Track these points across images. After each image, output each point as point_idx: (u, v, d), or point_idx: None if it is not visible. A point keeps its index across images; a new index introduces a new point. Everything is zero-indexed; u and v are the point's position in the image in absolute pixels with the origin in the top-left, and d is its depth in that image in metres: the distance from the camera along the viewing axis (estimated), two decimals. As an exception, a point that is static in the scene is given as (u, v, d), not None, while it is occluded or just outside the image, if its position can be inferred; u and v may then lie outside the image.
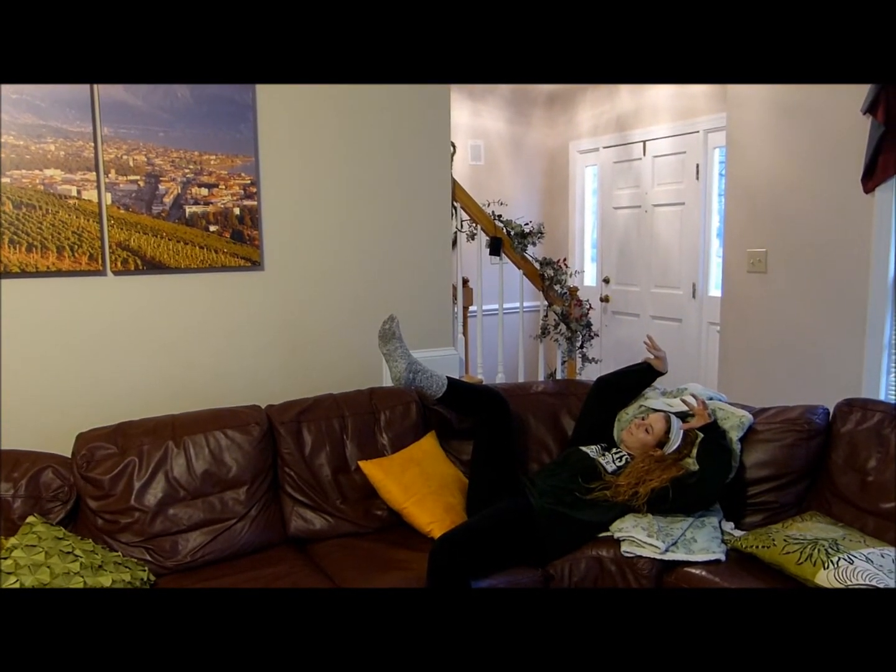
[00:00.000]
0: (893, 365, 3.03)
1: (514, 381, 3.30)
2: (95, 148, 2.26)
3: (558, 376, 3.36)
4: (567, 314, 3.15)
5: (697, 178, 4.11)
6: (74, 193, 2.24)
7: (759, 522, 2.34)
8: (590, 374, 3.31)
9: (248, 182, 2.51)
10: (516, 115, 5.01)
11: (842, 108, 3.08)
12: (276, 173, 2.57)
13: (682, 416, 2.51)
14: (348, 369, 2.72)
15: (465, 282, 3.86)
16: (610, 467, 2.44)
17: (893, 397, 3.03)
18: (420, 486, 2.36)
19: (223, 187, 2.47)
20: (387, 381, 2.77)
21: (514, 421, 2.48)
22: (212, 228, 2.47)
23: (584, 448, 2.52)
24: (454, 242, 3.55)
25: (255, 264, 2.56)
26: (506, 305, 3.45)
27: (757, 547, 2.12)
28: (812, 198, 3.25)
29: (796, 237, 3.34)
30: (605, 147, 4.73)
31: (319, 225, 2.67)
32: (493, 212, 3.14)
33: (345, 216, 2.71)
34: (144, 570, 2.05)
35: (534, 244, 3.08)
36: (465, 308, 4.01)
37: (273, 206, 2.58)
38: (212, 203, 2.46)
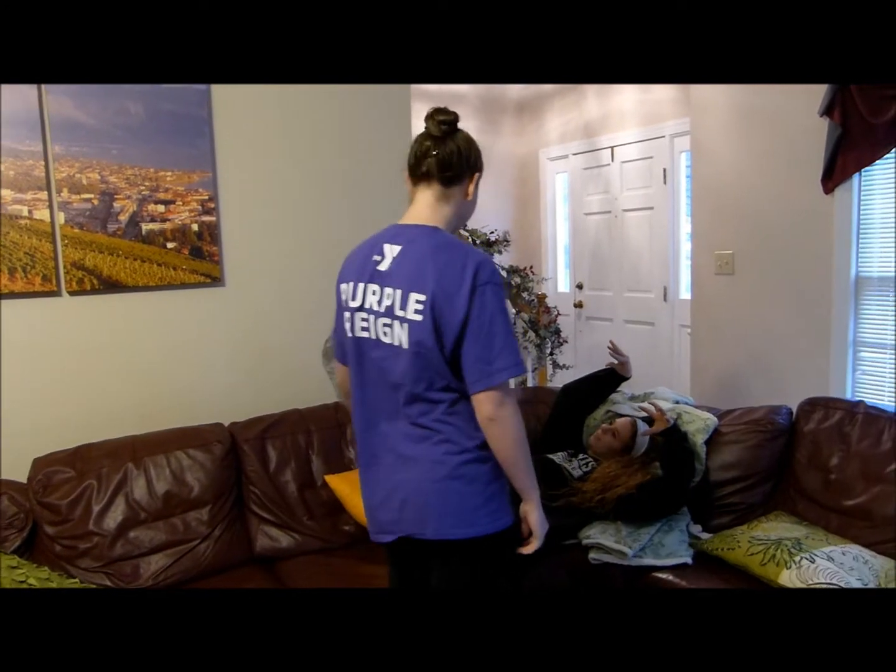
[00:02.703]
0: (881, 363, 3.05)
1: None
2: (46, 166, 2.23)
3: (529, 384, 3.35)
4: (535, 321, 3.14)
5: (665, 182, 4.13)
6: (26, 213, 2.21)
7: (727, 524, 2.34)
8: (562, 380, 3.30)
9: (206, 197, 2.49)
10: (485, 124, 5.02)
11: (800, 110, 3.10)
12: (235, 188, 2.56)
13: (650, 421, 2.51)
14: (313, 383, 2.69)
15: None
16: (576, 473, 2.43)
17: (859, 395, 3.04)
18: (386, 500, 2.34)
19: (180, 203, 2.45)
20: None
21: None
22: (170, 245, 2.44)
23: (550, 455, 2.52)
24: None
25: (216, 280, 2.53)
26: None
27: (722, 549, 2.11)
28: (775, 199, 3.28)
29: (761, 238, 3.36)
30: (574, 154, 4.75)
31: (281, 239, 2.65)
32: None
33: (306, 229, 2.70)
34: (104, 595, 2.01)
35: (500, 252, 3.08)
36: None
37: (232, 221, 2.56)
38: (169, 220, 2.43)
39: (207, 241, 2.50)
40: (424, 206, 1.51)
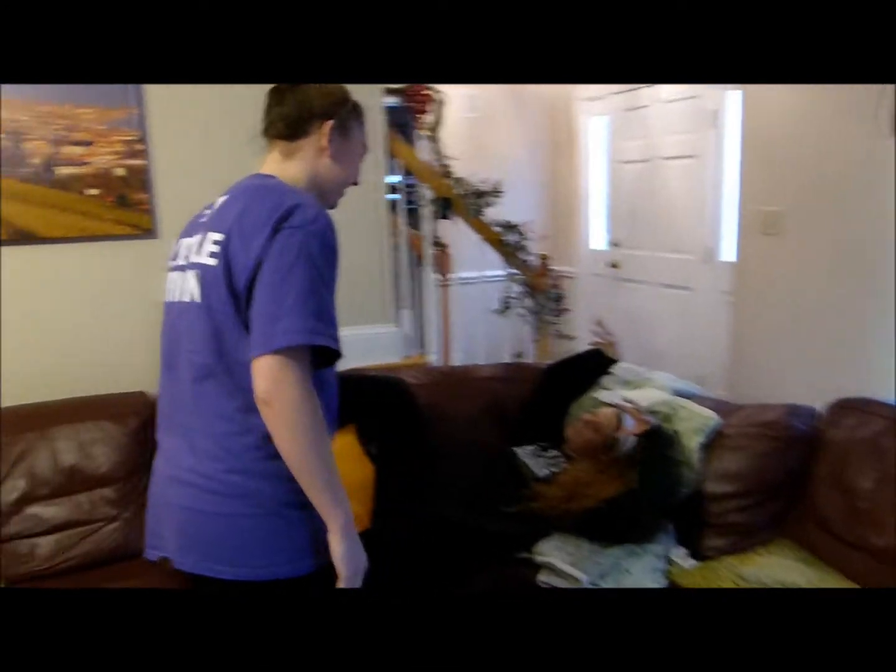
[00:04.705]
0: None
1: (475, 362, 2.92)
2: (-55, 101, 1.98)
3: (529, 358, 2.95)
4: (532, 285, 2.72)
5: (713, 127, 3.55)
6: (-79, 154, 1.97)
7: (724, 547, 1.92)
8: (567, 352, 2.88)
9: (133, 138, 2.19)
10: (522, 59, 4.48)
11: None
12: (169, 127, 2.24)
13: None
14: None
15: (443, 247, 3.46)
16: (541, 472, 2.06)
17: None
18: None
19: (101, 145, 2.16)
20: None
21: (421, 416, 2.10)
22: (90, 192, 2.17)
23: (516, 448, 2.15)
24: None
25: (147, 232, 2.25)
26: (475, 274, 3.05)
27: (700, 586, 1.71)
28: (835, 148, 2.69)
29: (817, 194, 2.79)
30: (613, 93, 4.17)
31: (223, 185, 2.32)
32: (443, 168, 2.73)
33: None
34: (-13, 580, 1.82)
35: (488, 205, 2.66)
36: (446, 276, 3.64)
37: (167, 164, 2.25)
38: (88, 163, 2.15)
39: (135, 187, 2.21)
40: (270, 163, 1.30)
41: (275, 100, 1.27)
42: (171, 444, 1.22)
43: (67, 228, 2.15)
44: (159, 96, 2.21)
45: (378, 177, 2.57)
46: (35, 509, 1.96)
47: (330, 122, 1.24)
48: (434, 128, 3.74)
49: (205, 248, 1.16)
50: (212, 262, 1.14)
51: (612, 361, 2.23)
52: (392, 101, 3.96)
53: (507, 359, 2.99)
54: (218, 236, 1.14)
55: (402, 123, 4.23)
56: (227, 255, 1.11)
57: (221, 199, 1.24)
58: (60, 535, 1.96)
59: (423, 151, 3.84)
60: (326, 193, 1.27)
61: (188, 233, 1.26)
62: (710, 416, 2.01)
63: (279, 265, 1.07)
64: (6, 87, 2.03)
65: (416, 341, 2.98)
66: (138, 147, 2.20)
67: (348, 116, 1.27)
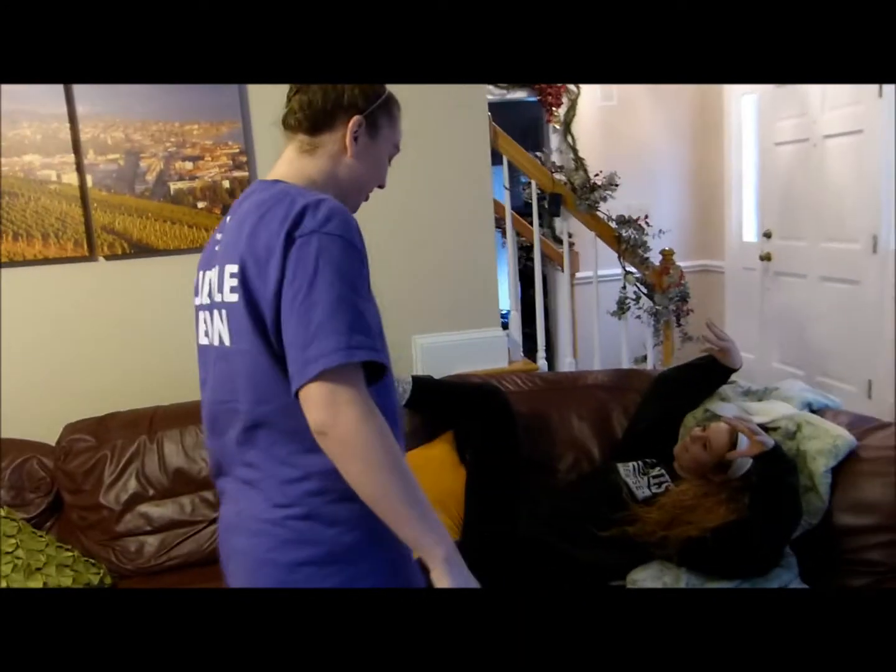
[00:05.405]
0: None
1: (590, 367, 2.73)
2: (73, 128, 2.17)
3: (649, 363, 2.71)
4: (651, 284, 2.49)
5: (881, 96, 3.06)
6: (54, 178, 2.17)
7: (862, 588, 1.62)
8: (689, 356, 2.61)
9: (237, 151, 2.27)
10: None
11: None
12: (271, 139, 2.29)
13: (765, 429, 1.83)
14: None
15: (568, 244, 3.29)
16: (641, 493, 1.85)
17: None
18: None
19: (209, 159, 2.26)
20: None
21: (517, 426, 1.98)
22: (200, 205, 2.27)
23: (620, 464, 1.96)
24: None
25: (251, 242, 2.32)
26: (589, 273, 2.86)
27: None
28: None
29: None
30: (763, 66, 3.75)
31: (322, 193, 2.35)
32: (553, 162, 2.57)
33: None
34: (97, 574, 1.95)
35: (603, 199, 2.46)
36: (573, 275, 3.48)
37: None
38: (198, 177, 2.26)
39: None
40: (283, 162, 1.15)
41: (298, 85, 1.12)
42: (231, 489, 1.13)
43: (179, 240, 2.28)
44: (261, 110, 2.27)
45: (484, 175, 2.48)
46: (144, 509, 2.08)
47: (357, 118, 1.09)
48: (568, 121, 3.59)
49: (225, 284, 1.04)
50: (233, 298, 1.02)
51: (729, 369, 1.96)
52: (522, 95, 3.86)
53: (626, 364, 2.76)
54: (233, 268, 1.02)
55: (535, 118, 4.11)
56: (248, 288, 1.00)
57: (228, 220, 1.12)
58: (166, 534, 2.06)
59: (554, 145, 3.70)
60: (347, 196, 1.12)
61: (206, 264, 1.14)
62: (841, 436, 1.69)
63: (299, 282, 0.94)
64: (123, 107, 2.18)
65: (527, 345, 2.85)
66: (242, 159, 2.28)
67: (380, 112, 1.12)
